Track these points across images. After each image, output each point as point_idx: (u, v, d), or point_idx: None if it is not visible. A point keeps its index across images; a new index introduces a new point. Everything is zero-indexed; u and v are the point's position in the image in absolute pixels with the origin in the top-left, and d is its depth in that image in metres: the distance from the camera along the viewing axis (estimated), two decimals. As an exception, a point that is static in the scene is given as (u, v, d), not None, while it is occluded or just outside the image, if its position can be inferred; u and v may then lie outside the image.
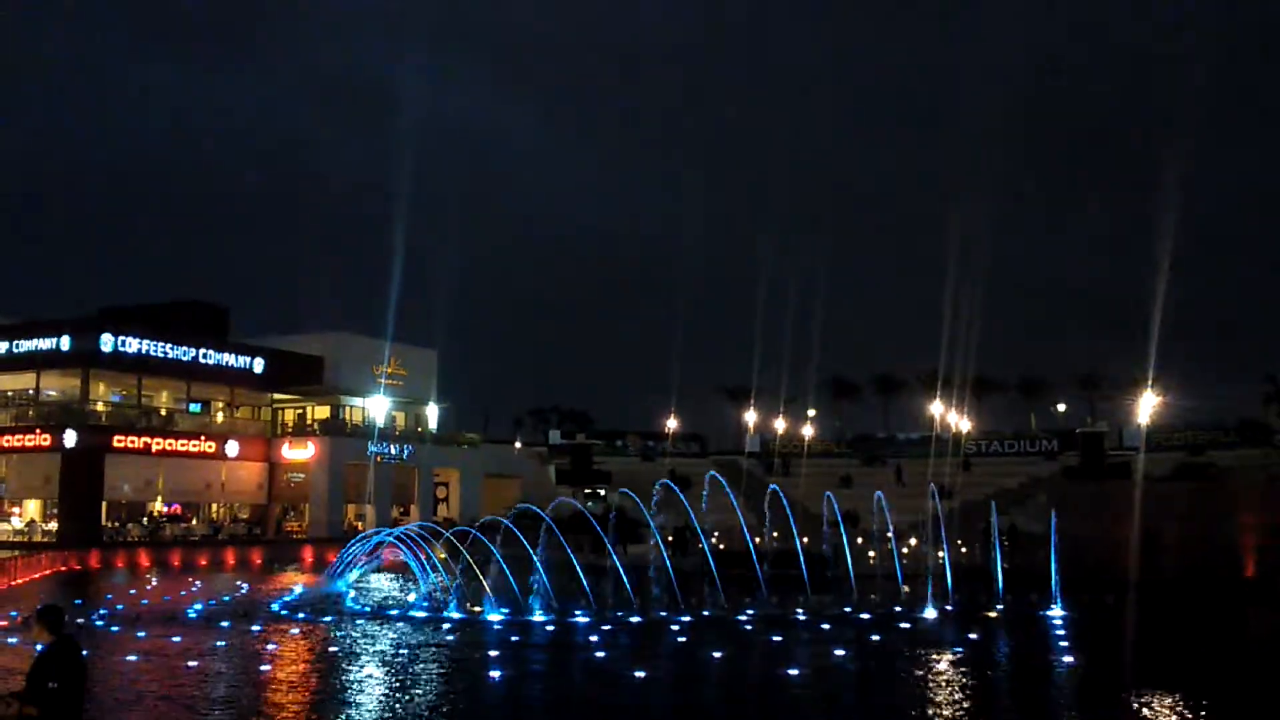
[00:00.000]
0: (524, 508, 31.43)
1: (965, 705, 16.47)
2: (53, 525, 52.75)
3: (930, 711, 15.79)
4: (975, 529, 46.76)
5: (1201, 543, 33.42)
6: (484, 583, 28.62)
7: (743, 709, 16.71)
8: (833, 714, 16.41)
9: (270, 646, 21.68)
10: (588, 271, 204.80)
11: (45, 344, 54.58)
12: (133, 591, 33.82)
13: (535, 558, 27.78)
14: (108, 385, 58.17)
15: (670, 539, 40.02)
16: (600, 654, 21.16)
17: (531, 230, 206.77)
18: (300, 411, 65.77)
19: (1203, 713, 15.58)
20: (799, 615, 27.58)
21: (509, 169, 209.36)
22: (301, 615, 27.14)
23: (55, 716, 8.60)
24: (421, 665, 19.74)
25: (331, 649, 21.71)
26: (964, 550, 44.18)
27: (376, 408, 65.16)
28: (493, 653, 20.84)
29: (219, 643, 21.88)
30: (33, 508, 55.84)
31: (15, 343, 55.03)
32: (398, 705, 15.87)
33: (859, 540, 46.35)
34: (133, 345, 54.99)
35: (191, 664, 19.10)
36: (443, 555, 33.11)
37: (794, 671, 19.23)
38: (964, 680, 18.88)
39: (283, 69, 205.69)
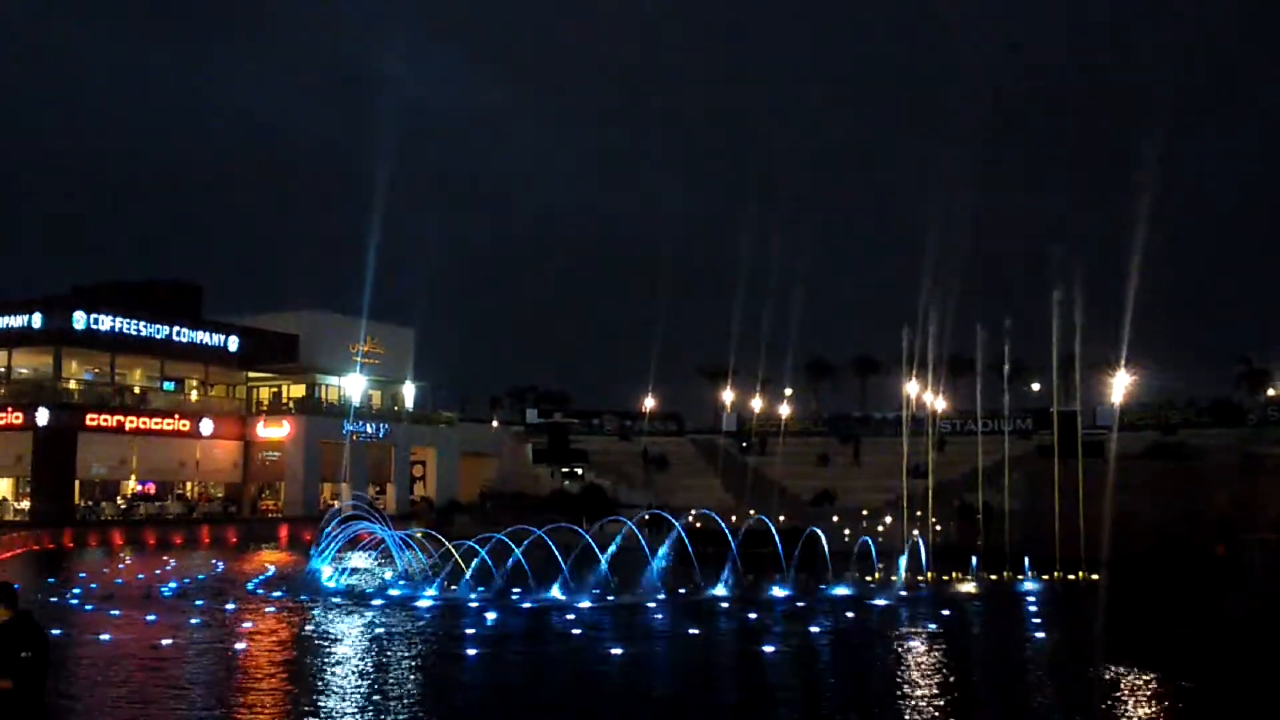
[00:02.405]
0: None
1: (939, 681, 16.61)
2: (25, 504, 52.36)
3: (904, 688, 15.92)
4: (950, 507, 47.11)
5: (1173, 521, 33.71)
6: (460, 563, 28.63)
7: (719, 686, 16.80)
8: (807, 692, 16.51)
9: (245, 626, 21.63)
10: (566, 252, 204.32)
11: (16, 321, 54.05)
12: (106, 570, 33.64)
13: (507, 540, 27.85)
14: (80, 363, 57.68)
15: (646, 518, 40.10)
16: (576, 632, 21.22)
17: (510, 211, 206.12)
18: (276, 390, 65.43)
19: (1172, 687, 15.76)
20: (774, 593, 27.72)
21: (488, 150, 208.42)
22: (277, 594, 27.08)
23: (29, 687, 8.57)
24: (397, 645, 19.73)
25: (307, 628, 21.67)
26: (938, 528, 44.48)
27: (353, 386, 64.85)
28: (469, 631, 20.87)
29: (193, 621, 21.82)
30: (5, 486, 55.41)
31: (-13, 320, 54.48)
32: (373, 685, 15.87)
33: (834, 518, 46.62)
34: (106, 323, 54.53)
35: (165, 642, 19.03)
36: (419, 535, 33.08)
37: (769, 648, 19.36)
38: (938, 656, 19.04)
39: (262, 48, 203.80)
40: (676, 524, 31.95)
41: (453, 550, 29.27)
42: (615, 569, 28.04)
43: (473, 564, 27.95)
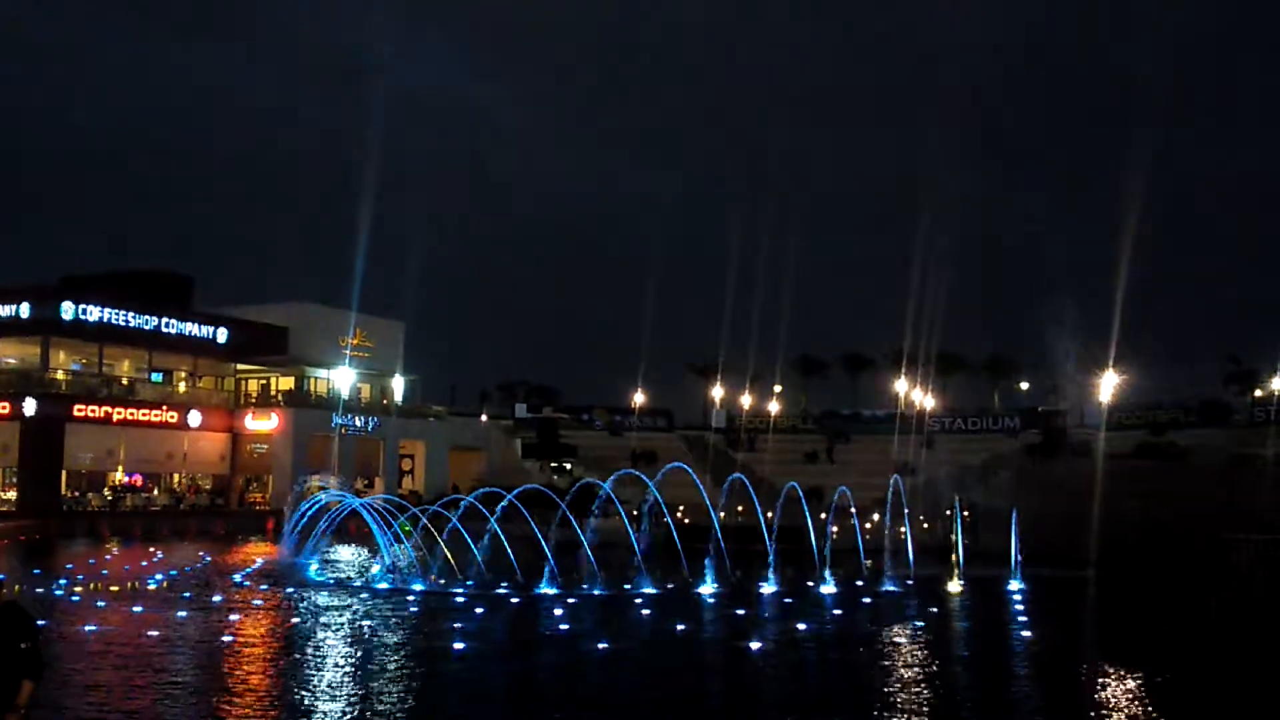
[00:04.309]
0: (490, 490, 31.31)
1: (924, 679, 16.62)
2: (12, 494, 52.16)
3: (890, 685, 15.93)
4: (938, 505, 47.16)
5: (1161, 521, 33.79)
6: (448, 556, 28.61)
7: (705, 681, 16.79)
8: (793, 689, 16.51)
9: (232, 617, 21.55)
10: (557, 246, 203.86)
11: (4, 311, 53.78)
12: (93, 562, 33.52)
13: (499, 532, 27.81)
14: (68, 354, 57.45)
15: (635, 514, 40.09)
16: (564, 626, 21.20)
17: (501, 204, 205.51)
18: (264, 382, 65.20)
19: (1158, 685, 15.79)
20: (761, 588, 27.73)
21: (479, 143, 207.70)
22: (264, 586, 27.01)
23: (37, 677, 8.58)
24: (383, 638, 19.69)
25: (293, 620, 21.62)
26: (926, 526, 44.55)
27: (342, 379, 64.71)
28: (456, 625, 20.83)
29: (180, 613, 21.73)
30: (-10, 477, 55.15)
31: (-27, 310, 54.18)
32: (358, 677, 15.82)
33: (822, 516, 46.59)
34: (94, 314, 54.29)
35: (152, 633, 18.95)
36: (407, 528, 33.03)
37: (756, 645, 19.35)
38: (924, 654, 19.05)
39: (251, 36, 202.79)
40: (668, 518, 31.98)
41: (441, 543, 29.26)
42: (603, 563, 28.06)
43: (465, 555, 27.96)
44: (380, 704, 14.01)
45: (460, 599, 24.95)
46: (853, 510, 35.13)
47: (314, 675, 15.95)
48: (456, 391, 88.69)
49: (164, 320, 57.91)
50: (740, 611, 23.75)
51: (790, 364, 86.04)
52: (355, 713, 13.55)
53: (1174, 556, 31.21)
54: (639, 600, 25.28)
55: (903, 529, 34.54)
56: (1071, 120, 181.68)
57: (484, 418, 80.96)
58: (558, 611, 22.97)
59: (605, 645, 18.65)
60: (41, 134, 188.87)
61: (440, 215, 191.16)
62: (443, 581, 27.47)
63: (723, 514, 36.47)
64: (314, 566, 31.38)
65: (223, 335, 60.86)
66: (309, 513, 35.17)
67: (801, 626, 21.77)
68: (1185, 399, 71.93)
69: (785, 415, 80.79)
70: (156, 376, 60.07)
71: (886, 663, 18.02)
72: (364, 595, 25.69)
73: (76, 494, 53.67)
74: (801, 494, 32.70)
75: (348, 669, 16.48)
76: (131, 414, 55.15)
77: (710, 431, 76.75)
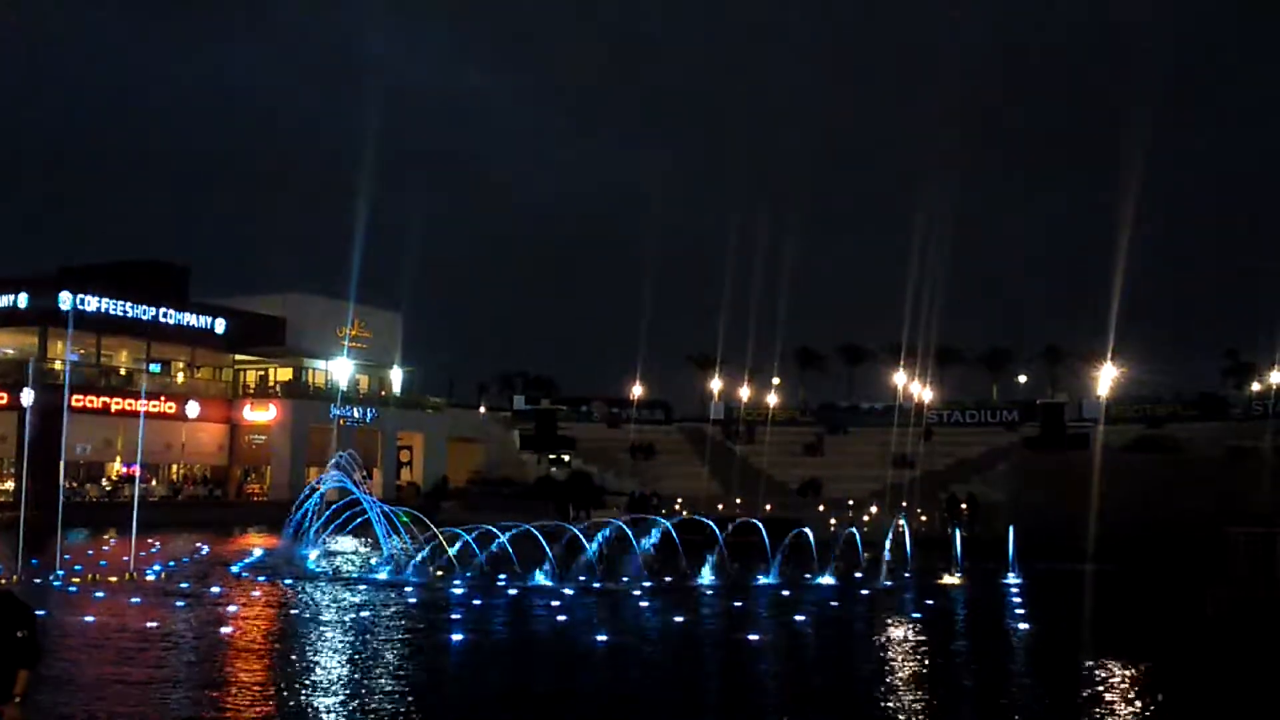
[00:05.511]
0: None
1: (921, 672, 16.63)
2: (9, 485, 52.12)
3: (887, 678, 15.95)
4: (936, 497, 47.19)
5: (1159, 514, 33.80)
6: (446, 548, 28.60)
7: (704, 674, 16.80)
8: (792, 681, 16.52)
9: (230, 609, 21.55)
10: (555, 237, 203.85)
11: (2, 301, 53.76)
12: (91, 552, 33.49)
13: (496, 532, 27.83)
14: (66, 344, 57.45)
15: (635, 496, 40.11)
16: (562, 618, 21.21)
17: (499, 195, 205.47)
18: (262, 373, 65.19)
19: (1156, 680, 15.81)
20: (759, 581, 27.74)
21: (477, 133, 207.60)
22: (262, 578, 27.01)
23: (33, 666, 8.59)
24: (382, 629, 19.68)
25: (292, 611, 21.62)
26: (924, 519, 44.56)
27: (340, 370, 64.66)
28: (454, 616, 20.84)
29: (178, 604, 21.73)
30: (-12, 467, 55.11)
31: (-29, 300, 54.13)
32: (357, 669, 15.82)
33: (820, 508, 46.66)
34: (92, 304, 54.21)
35: (149, 625, 18.95)
36: (404, 520, 33.00)
37: (754, 637, 19.37)
38: (921, 647, 19.07)
39: (251, 27, 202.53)
40: (662, 519, 31.91)
41: (439, 536, 29.25)
42: (601, 556, 28.04)
43: (455, 547, 27.95)
44: (378, 697, 14.01)
45: (459, 591, 24.95)
46: (850, 502, 35.11)
47: (312, 667, 15.95)
48: (454, 383, 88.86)
49: (162, 310, 57.86)
50: (738, 604, 23.77)
51: (787, 355, 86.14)
52: (353, 705, 13.55)
53: (1172, 550, 31.25)
54: (637, 593, 25.28)
55: (901, 521, 34.53)
56: (1071, 118, 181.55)
57: (482, 409, 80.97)
58: (555, 604, 22.98)
59: (604, 638, 18.65)
60: (41, 130, 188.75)
61: (440, 209, 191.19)
62: (441, 574, 27.46)
63: (721, 505, 36.52)
64: (313, 556, 31.37)
65: (220, 325, 60.82)
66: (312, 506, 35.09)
67: (799, 619, 21.79)
68: (1184, 392, 72.04)
69: (785, 407, 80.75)
70: (154, 367, 60.01)
71: (884, 655, 18.04)
72: (362, 587, 25.69)
73: (74, 484, 53.64)
74: (811, 539, 32.00)
75: (346, 661, 16.48)
76: (129, 404, 55.09)
77: (709, 424, 76.77)
